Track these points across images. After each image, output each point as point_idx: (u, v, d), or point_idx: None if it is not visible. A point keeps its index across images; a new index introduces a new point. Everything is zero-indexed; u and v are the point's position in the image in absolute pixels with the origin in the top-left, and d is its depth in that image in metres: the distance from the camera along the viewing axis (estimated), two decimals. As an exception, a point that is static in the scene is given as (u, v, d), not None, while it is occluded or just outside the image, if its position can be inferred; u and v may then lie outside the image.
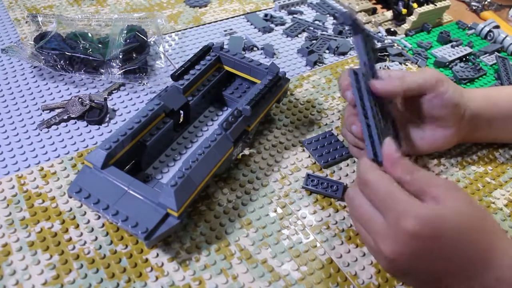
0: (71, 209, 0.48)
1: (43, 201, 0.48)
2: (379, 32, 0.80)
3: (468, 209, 0.36)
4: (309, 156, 0.56)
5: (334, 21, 0.82)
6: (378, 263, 0.44)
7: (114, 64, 0.62)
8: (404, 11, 0.80)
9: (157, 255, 0.45)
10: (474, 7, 0.92)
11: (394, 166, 0.38)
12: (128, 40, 0.65)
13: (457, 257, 0.36)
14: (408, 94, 0.49)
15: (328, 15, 0.83)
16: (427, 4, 0.81)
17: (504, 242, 0.37)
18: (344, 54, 0.74)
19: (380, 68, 0.70)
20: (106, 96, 0.62)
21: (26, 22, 0.74)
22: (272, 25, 0.79)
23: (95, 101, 0.59)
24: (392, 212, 0.36)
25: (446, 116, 0.50)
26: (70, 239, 0.45)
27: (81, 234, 0.46)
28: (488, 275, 0.36)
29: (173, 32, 0.76)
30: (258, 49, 0.74)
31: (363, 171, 0.39)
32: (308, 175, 0.53)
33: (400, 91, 0.47)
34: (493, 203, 0.53)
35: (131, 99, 0.62)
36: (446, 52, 0.75)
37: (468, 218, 0.36)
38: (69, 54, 0.61)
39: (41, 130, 0.56)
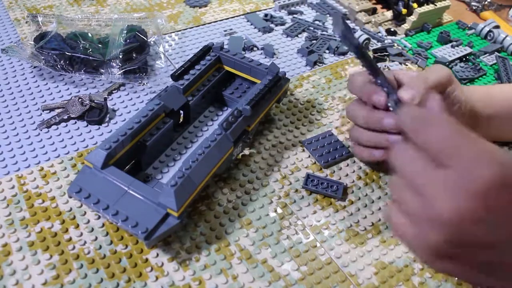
0: (71, 209, 0.48)
1: (43, 201, 0.48)
2: (379, 32, 0.80)
3: None
4: (309, 156, 0.56)
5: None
6: (420, 252, 0.32)
7: (114, 64, 0.62)
8: (404, 11, 0.80)
9: (157, 255, 0.45)
10: (474, 7, 0.92)
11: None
12: (128, 40, 0.65)
13: None
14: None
15: (328, 15, 0.83)
16: (427, 4, 0.81)
17: None
18: (344, 54, 0.74)
19: (380, 68, 0.70)
20: (106, 96, 0.62)
21: (26, 22, 0.74)
22: (272, 25, 0.79)
23: (95, 101, 0.59)
24: (466, 156, 0.28)
25: (451, 115, 0.50)
26: (70, 239, 0.45)
27: (81, 234, 0.46)
28: None
29: (173, 32, 0.76)
30: (258, 49, 0.74)
31: (420, 115, 0.31)
32: (308, 175, 0.53)
33: (423, 93, 0.43)
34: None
35: (131, 99, 0.62)
36: (446, 52, 0.75)
37: None
38: (69, 54, 0.61)
39: (41, 130, 0.56)
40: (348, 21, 0.46)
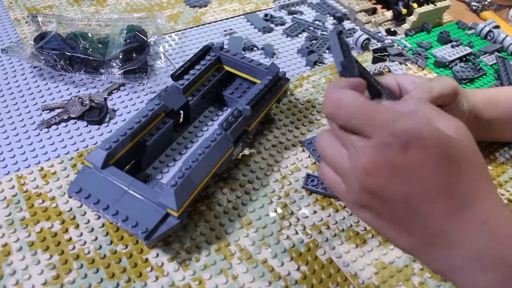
0: (71, 209, 0.48)
1: (43, 201, 0.48)
2: (379, 32, 0.80)
3: (471, 140, 0.33)
4: (309, 156, 0.56)
5: (334, 21, 0.82)
6: (344, 197, 0.35)
7: (114, 64, 0.62)
8: (404, 11, 0.80)
9: (157, 255, 0.45)
10: (474, 7, 0.92)
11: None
12: (128, 40, 0.65)
13: (449, 179, 0.31)
14: None
15: (328, 15, 0.83)
16: (427, 4, 0.81)
17: (490, 185, 0.33)
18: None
19: (380, 68, 0.70)
20: (106, 96, 0.62)
21: (26, 22, 0.74)
22: (272, 25, 0.79)
23: (95, 101, 0.59)
24: (377, 119, 0.31)
25: None
26: (70, 239, 0.45)
27: (81, 234, 0.46)
28: (476, 213, 0.31)
29: (173, 32, 0.76)
30: (258, 49, 0.74)
31: (332, 90, 0.34)
32: (308, 175, 0.53)
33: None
34: (493, 203, 0.53)
35: (131, 99, 0.62)
36: (446, 52, 0.75)
37: (471, 145, 0.33)
38: (69, 54, 0.61)
39: (41, 130, 0.56)
40: (345, 38, 0.43)
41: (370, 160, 0.31)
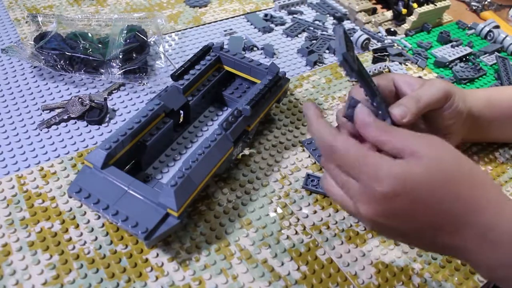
0: (71, 209, 0.48)
1: (43, 201, 0.48)
2: (379, 32, 0.80)
3: (448, 162, 0.36)
4: (309, 156, 0.56)
5: (334, 21, 0.82)
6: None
7: (114, 64, 0.62)
8: (404, 11, 0.80)
9: (157, 255, 0.45)
10: (474, 7, 0.92)
11: (367, 127, 0.37)
12: (128, 40, 0.65)
13: (435, 211, 0.35)
14: (421, 114, 0.46)
15: (328, 15, 0.83)
16: (427, 4, 0.81)
17: (492, 192, 0.37)
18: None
19: (380, 68, 0.70)
20: (106, 96, 0.62)
21: (26, 22, 0.74)
22: (272, 25, 0.79)
23: (95, 101, 0.59)
24: (364, 175, 0.35)
25: (451, 125, 0.49)
26: (70, 239, 0.45)
27: (81, 234, 0.46)
28: (474, 227, 0.35)
29: (173, 32, 0.76)
30: (258, 49, 0.73)
31: (328, 137, 0.37)
32: (308, 175, 0.53)
33: (417, 113, 0.44)
34: (493, 203, 0.53)
35: (131, 99, 0.62)
36: (446, 52, 0.75)
37: (446, 171, 0.35)
38: (69, 54, 0.61)
39: (41, 130, 0.56)
40: (348, 32, 0.43)
41: (368, 209, 0.36)
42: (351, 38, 0.77)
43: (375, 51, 0.74)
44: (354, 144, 0.36)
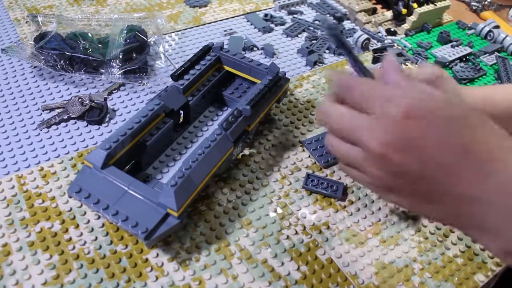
0: (71, 209, 0.48)
1: (43, 201, 0.48)
2: (379, 32, 0.80)
3: (467, 103, 0.34)
4: (309, 156, 0.56)
5: (334, 21, 0.82)
6: (369, 185, 0.38)
7: (114, 64, 0.62)
8: (404, 11, 0.80)
9: (157, 255, 0.45)
10: (474, 7, 0.92)
11: (395, 69, 0.35)
12: (128, 40, 0.65)
13: (456, 145, 0.32)
14: None
15: (328, 15, 0.83)
16: (427, 4, 0.81)
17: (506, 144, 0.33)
18: (344, 54, 0.74)
19: (380, 68, 0.70)
20: (106, 96, 0.62)
21: (26, 22, 0.74)
22: (272, 25, 0.79)
23: (95, 101, 0.59)
24: (379, 101, 0.33)
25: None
26: (70, 239, 0.45)
27: (81, 234, 0.46)
28: (497, 176, 0.31)
29: (173, 32, 0.76)
30: (258, 49, 0.74)
31: (343, 78, 0.37)
32: (308, 175, 0.53)
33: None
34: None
35: (131, 99, 0.62)
36: (446, 52, 0.75)
37: (465, 108, 0.33)
38: (69, 54, 0.61)
39: (41, 130, 0.56)
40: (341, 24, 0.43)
41: (380, 141, 0.32)
42: (351, 38, 0.77)
43: (375, 51, 0.74)
44: (370, 80, 0.36)
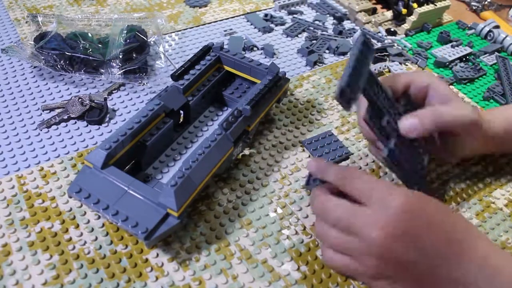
0: (71, 209, 0.48)
1: (43, 201, 0.48)
2: (379, 32, 0.80)
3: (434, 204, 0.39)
4: (309, 156, 0.56)
5: (334, 21, 0.82)
6: (358, 274, 0.41)
7: (114, 64, 0.62)
8: (404, 11, 0.80)
9: (157, 255, 0.45)
10: (474, 7, 0.92)
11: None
12: (128, 40, 0.65)
13: (445, 233, 0.37)
14: (436, 131, 0.46)
15: (328, 15, 0.83)
16: (427, 4, 0.81)
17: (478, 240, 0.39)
18: (344, 54, 0.74)
19: (380, 68, 0.70)
20: (106, 96, 0.62)
21: (26, 22, 0.74)
22: (272, 25, 0.79)
23: (95, 101, 0.59)
24: (377, 196, 0.37)
25: (466, 153, 0.51)
26: (70, 239, 0.45)
27: (81, 234, 0.46)
28: (474, 254, 0.37)
29: (173, 32, 0.76)
30: (258, 49, 0.74)
31: (338, 169, 0.41)
32: (310, 174, 0.53)
33: (431, 130, 0.44)
34: (493, 203, 0.53)
35: (131, 99, 0.62)
36: (446, 52, 0.75)
37: (440, 207, 0.39)
38: (69, 54, 0.61)
39: (41, 130, 0.56)
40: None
41: (381, 231, 0.36)
42: (351, 38, 0.77)
43: (375, 51, 0.74)
44: (344, 202, 0.41)
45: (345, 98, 0.36)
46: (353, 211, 0.38)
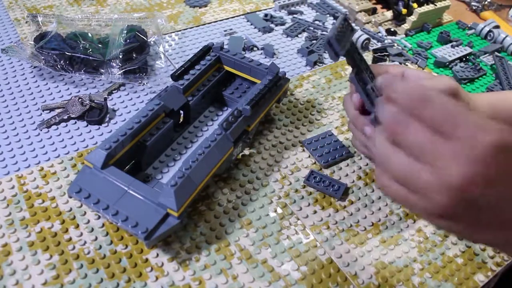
0: (71, 209, 0.48)
1: (43, 201, 0.48)
2: (379, 32, 0.80)
3: None
4: (309, 156, 0.56)
5: (334, 21, 0.82)
6: (422, 210, 0.34)
7: (114, 64, 0.62)
8: (404, 11, 0.80)
9: (157, 255, 0.45)
10: (474, 7, 0.92)
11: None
12: (128, 40, 0.65)
13: None
14: None
15: (328, 15, 0.83)
16: (427, 4, 0.81)
17: None
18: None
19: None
20: (106, 96, 0.62)
21: (26, 22, 0.74)
22: (272, 25, 0.79)
23: (95, 101, 0.59)
24: (467, 127, 0.30)
25: None
26: (70, 239, 0.45)
27: (81, 234, 0.46)
28: None
29: (173, 32, 0.76)
30: (258, 49, 0.74)
31: (420, 88, 0.32)
32: (312, 171, 0.53)
33: None
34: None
35: (131, 99, 0.62)
36: (446, 52, 0.75)
37: None
38: (69, 54, 0.61)
39: (41, 130, 0.56)
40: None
41: (462, 175, 0.30)
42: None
43: (375, 51, 0.74)
44: (450, 99, 0.32)
45: (332, 49, 0.38)
46: (434, 139, 0.31)
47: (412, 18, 0.79)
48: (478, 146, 0.29)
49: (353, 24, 0.82)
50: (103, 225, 0.47)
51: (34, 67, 0.65)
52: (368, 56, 0.74)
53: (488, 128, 0.30)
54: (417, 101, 0.32)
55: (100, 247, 0.45)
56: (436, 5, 0.81)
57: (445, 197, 0.31)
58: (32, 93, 0.62)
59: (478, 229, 0.33)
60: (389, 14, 0.83)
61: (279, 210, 0.50)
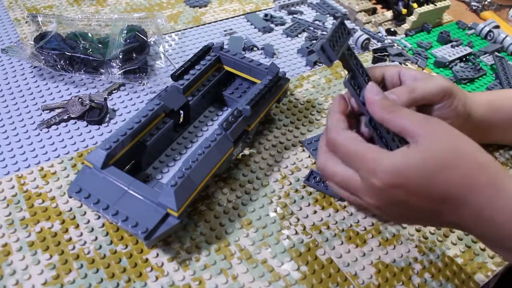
0: (71, 209, 0.48)
1: (43, 201, 0.48)
2: (379, 32, 0.80)
3: (446, 146, 0.37)
4: (309, 156, 0.56)
5: (334, 21, 0.82)
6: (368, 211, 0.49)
7: (114, 64, 0.62)
8: (404, 11, 0.80)
9: (157, 255, 0.45)
10: (474, 7, 0.92)
11: (374, 106, 0.39)
12: (128, 40, 0.65)
13: (432, 198, 0.37)
14: (413, 105, 0.46)
15: (328, 15, 0.83)
16: (427, 4, 0.81)
17: (492, 172, 0.37)
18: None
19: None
20: (106, 96, 0.62)
21: (26, 22, 0.74)
22: (272, 25, 0.79)
23: (95, 101, 0.59)
24: (362, 171, 0.38)
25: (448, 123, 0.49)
26: (70, 239, 0.45)
27: (81, 234, 0.46)
28: (468, 206, 0.37)
29: (173, 32, 0.76)
30: (258, 49, 0.74)
31: (331, 131, 0.40)
32: (312, 171, 0.53)
33: (408, 103, 0.44)
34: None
35: (131, 99, 0.62)
36: (446, 52, 0.75)
37: (443, 158, 0.37)
38: (69, 54, 0.61)
39: (41, 130, 0.56)
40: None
41: (369, 199, 0.39)
42: (351, 38, 0.77)
43: (375, 51, 0.74)
44: (355, 138, 0.39)
45: (325, 54, 0.39)
46: (349, 173, 0.40)
47: (412, 18, 0.79)
48: (372, 186, 0.38)
49: (352, 25, 0.82)
50: (103, 225, 0.47)
51: (34, 67, 0.65)
52: (368, 56, 0.74)
53: (378, 173, 0.37)
54: (331, 147, 0.41)
55: (100, 247, 0.45)
56: (436, 5, 0.81)
57: (373, 212, 0.44)
58: (32, 93, 0.62)
59: (411, 222, 0.44)
60: (389, 14, 0.83)
61: (279, 210, 0.50)
